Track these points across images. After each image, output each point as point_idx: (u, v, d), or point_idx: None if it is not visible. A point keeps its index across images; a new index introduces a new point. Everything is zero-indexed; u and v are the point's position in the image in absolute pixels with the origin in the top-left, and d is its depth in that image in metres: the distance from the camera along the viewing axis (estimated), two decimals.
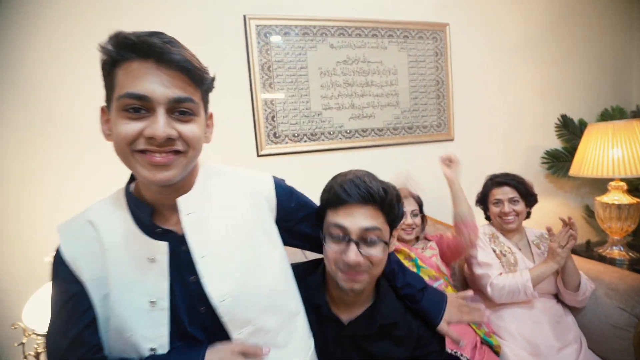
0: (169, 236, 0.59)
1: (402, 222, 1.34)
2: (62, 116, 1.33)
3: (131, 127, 0.51)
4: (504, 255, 1.30)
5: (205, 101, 0.60)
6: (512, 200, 1.34)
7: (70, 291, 0.56)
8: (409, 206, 1.39)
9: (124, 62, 0.51)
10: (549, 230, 1.23)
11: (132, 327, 0.56)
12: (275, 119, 1.59)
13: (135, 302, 0.56)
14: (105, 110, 0.56)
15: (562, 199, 2.14)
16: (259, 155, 1.59)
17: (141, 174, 0.53)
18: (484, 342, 1.17)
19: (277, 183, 0.73)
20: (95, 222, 0.59)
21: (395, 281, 0.81)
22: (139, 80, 0.50)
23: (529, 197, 1.35)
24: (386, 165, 1.76)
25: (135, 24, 1.32)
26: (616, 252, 1.63)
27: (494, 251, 1.32)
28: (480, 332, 1.19)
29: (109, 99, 0.54)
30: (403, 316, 0.77)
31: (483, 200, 1.46)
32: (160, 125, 0.50)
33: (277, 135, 1.60)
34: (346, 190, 0.67)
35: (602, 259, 1.62)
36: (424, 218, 1.48)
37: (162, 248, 0.57)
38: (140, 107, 0.50)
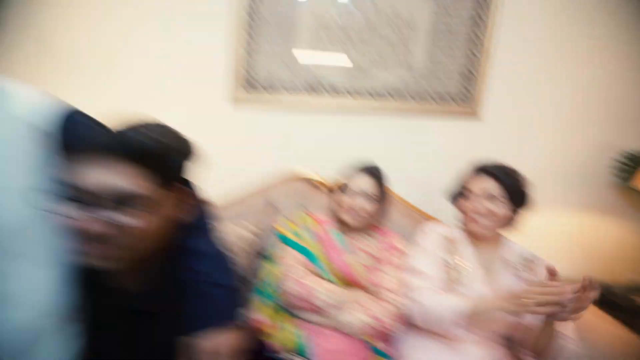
0: None
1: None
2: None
3: None
4: (454, 270, 0.96)
5: None
6: (490, 197, 0.96)
7: None
8: None
9: None
10: (551, 273, 0.80)
11: None
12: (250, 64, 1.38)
13: None
14: None
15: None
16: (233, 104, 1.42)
17: None
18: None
19: None
20: None
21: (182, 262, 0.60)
22: None
23: (515, 196, 0.97)
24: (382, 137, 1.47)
25: None
26: None
27: (447, 263, 0.98)
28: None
29: None
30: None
31: (458, 193, 1.08)
32: None
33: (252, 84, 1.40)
34: None
35: None
36: (383, 200, 1.08)
37: None
38: None
